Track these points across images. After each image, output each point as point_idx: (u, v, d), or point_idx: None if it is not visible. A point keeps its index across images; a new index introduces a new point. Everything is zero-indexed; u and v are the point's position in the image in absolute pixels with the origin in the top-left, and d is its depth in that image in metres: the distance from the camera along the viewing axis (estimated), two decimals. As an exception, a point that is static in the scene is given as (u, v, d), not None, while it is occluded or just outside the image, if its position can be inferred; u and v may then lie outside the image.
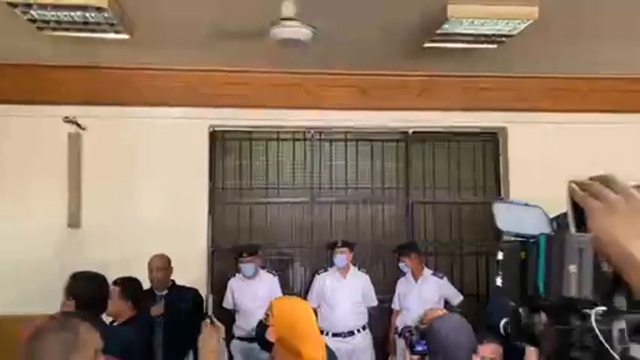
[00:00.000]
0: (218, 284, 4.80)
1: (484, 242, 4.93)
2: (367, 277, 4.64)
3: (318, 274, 4.65)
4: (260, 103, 4.81)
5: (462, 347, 1.38)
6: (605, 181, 0.69)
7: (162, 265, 3.95)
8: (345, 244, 4.56)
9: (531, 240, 0.76)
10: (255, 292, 4.30)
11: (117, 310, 3.25)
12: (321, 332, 4.40)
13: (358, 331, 4.45)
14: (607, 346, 0.84)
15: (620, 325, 0.90)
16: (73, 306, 2.47)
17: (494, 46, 3.85)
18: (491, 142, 5.30)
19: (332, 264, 4.63)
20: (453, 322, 1.62)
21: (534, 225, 0.78)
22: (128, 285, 3.40)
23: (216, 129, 4.97)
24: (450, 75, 4.83)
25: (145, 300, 3.41)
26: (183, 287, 4.02)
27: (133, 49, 4.09)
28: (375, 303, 4.63)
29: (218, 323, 1.99)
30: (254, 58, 4.33)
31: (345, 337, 4.38)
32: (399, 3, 3.35)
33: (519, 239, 0.78)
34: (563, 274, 0.71)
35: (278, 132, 5.10)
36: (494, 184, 5.26)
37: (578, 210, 0.70)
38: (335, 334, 4.37)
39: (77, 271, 2.73)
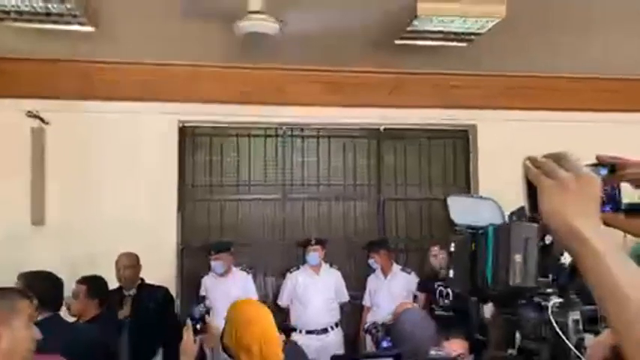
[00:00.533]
0: (188, 282, 4.74)
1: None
2: (339, 273, 4.66)
3: (290, 272, 4.64)
4: (231, 99, 4.76)
5: (425, 339, 1.39)
6: (558, 158, 0.69)
7: (129, 263, 3.88)
8: (318, 241, 4.56)
9: (480, 231, 0.76)
10: (228, 291, 4.25)
11: (82, 308, 3.19)
12: (294, 330, 4.46)
13: (331, 328, 4.46)
14: (563, 337, 0.85)
15: (575, 315, 0.92)
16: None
17: (464, 44, 3.88)
18: (462, 139, 5.36)
19: (304, 261, 4.61)
20: (415, 316, 1.63)
21: (487, 217, 0.78)
22: (94, 283, 3.34)
23: (185, 124, 4.90)
24: (421, 72, 4.86)
25: (111, 298, 3.34)
26: (152, 286, 3.95)
27: (99, 41, 3.99)
28: (346, 299, 4.64)
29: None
30: (225, 52, 4.27)
31: (318, 334, 4.38)
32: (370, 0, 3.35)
33: (470, 231, 0.78)
34: (509, 263, 0.71)
35: (249, 128, 5.05)
36: (464, 180, 5.32)
37: (532, 188, 0.70)
38: (308, 332, 4.38)
39: (25, 271, 2.66)
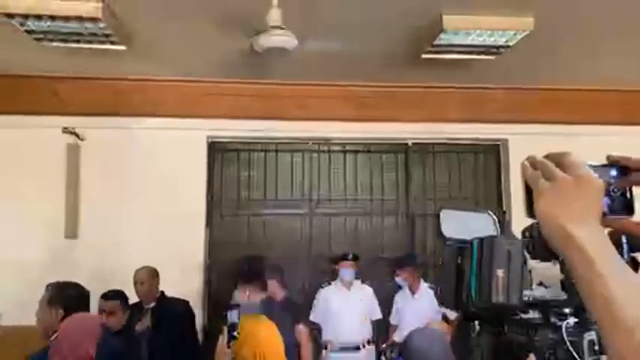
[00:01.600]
0: (215, 298, 4.76)
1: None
2: (371, 290, 4.59)
3: (322, 287, 4.60)
4: (259, 115, 4.81)
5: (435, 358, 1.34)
6: (558, 159, 0.64)
7: (145, 277, 3.94)
8: (354, 257, 4.53)
9: (467, 245, 0.73)
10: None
11: (118, 321, 3.29)
12: (326, 347, 4.42)
13: (364, 345, 4.39)
14: (578, 358, 0.81)
15: (590, 336, 0.86)
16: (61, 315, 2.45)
17: (491, 57, 3.83)
18: (492, 153, 5.26)
19: (335, 277, 4.58)
20: (427, 336, 1.58)
21: (479, 230, 0.74)
22: (123, 296, 3.45)
23: (214, 140, 4.97)
24: (448, 86, 4.81)
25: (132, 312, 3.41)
26: (172, 299, 3.99)
27: (130, 60, 4.11)
28: (379, 316, 4.58)
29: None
30: (252, 69, 4.33)
31: (350, 351, 4.32)
32: (395, 14, 3.34)
33: (458, 245, 0.75)
34: (491, 278, 0.67)
35: (277, 143, 5.09)
36: (496, 195, 5.20)
37: (530, 191, 0.65)
38: (341, 349, 4.33)
39: (53, 282, 2.74)
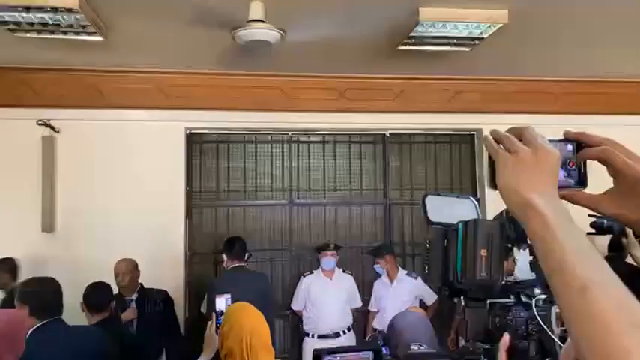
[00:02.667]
0: (196, 287, 4.78)
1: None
2: (352, 278, 4.68)
3: (304, 276, 4.67)
4: (237, 106, 4.81)
5: (416, 339, 1.41)
6: (519, 133, 0.67)
7: (127, 269, 3.94)
8: (336, 246, 4.60)
9: (453, 228, 0.78)
10: None
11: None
12: (307, 334, 4.49)
13: (344, 332, 4.48)
14: (547, 330, 0.88)
15: (557, 309, 0.94)
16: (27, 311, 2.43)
17: (467, 49, 3.91)
18: (468, 143, 5.37)
19: (317, 266, 4.65)
20: (409, 317, 1.65)
21: (463, 215, 0.80)
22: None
23: (192, 131, 4.96)
24: (425, 78, 4.89)
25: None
26: (152, 290, 4.02)
27: (108, 51, 4.07)
28: (359, 304, 4.67)
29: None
30: (231, 59, 4.33)
31: (331, 338, 4.41)
32: (372, 6, 3.38)
33: (444, 228, 0.81)
34: (476, 257, 0.73)
35: (255, 134, 5.10)
36: (470, 184, 5.33)
37: (493, 163, 0.68)
38: (321, 336, 4.41)
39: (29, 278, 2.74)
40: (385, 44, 3.99)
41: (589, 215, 2.88)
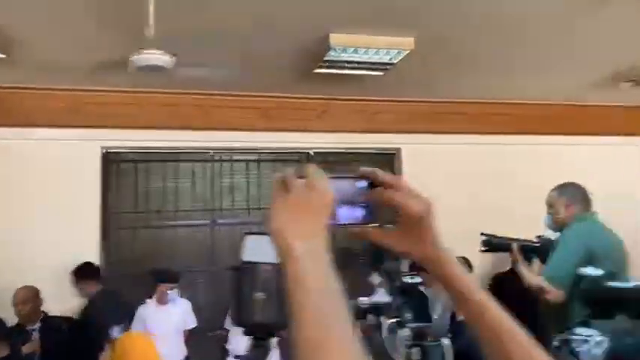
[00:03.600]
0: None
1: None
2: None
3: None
4: (158, 124, 4.73)
5: None
6: (300, 172, 0.64)
7: (25, 298, 3.75)
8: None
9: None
10: (169, 318, 4.31)
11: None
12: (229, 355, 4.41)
13: None
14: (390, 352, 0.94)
15: (404, 332, 1.02)
16: None
17: (380, 73, 4.05)
18: (389, 162, 5.52)
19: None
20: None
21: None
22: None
23: (109, 150, 4.81)
24: (345, 99, 5.01)
25: (14, 336, 3.23)
26: (55, 318, 3.83)
27: (13, 68, 3.89)
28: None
29: None
30: (149, 77, 4.25)
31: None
32: (284, 31, 3.44)
33: (239, 268, 0.83)
34: (252, 301, 0.76)
35: (177, 153, 5.02)
36: (392, 202, 5.47)
37: None
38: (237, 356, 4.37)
39: None
40: (301, 67, 4.07)
41: (481, 234, 3.04)
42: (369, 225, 0.71)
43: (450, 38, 3.64)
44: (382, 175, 0.70)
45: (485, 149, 5.24)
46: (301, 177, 0.64)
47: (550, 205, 2.75)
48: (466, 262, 4.38)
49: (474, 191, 5.02)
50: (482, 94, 4.98)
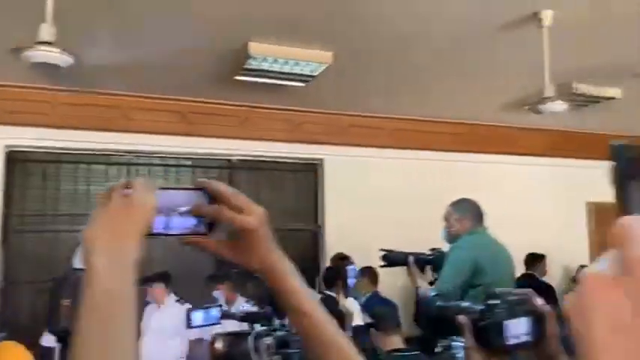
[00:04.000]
0: (12, 324, 4.30)
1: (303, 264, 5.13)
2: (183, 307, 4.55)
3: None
4: (70, 124, 4.50)
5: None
6: (127, 183, 0.63)
7: None
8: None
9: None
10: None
11: None
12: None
13: None
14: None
15: (269, 340, 1.09)
16: None
17: (302, 84, 4.08)
18: (311, 172, 5.56)
19: None
20: None
21: None
22: None
23: (14, 149, 4.52)
24: (269, 107, 4.99)
25: None
26: None
27: None
28: None
29: None
30: (62, 75, 4.04)
31: None
32: (203, 37, 3.39)
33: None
34: (60, 307, 0.76)
35: (90, 155, 4.80)
36: (313, 213, 5.50)
37: None
38: None
39: None
40: (222, 73, 4.02)
41: (380, 249, 3.11)
42: (199, 235, 0.70)
43: (367, 54, 3.73)
44: (217, 187, 0.71)
45: (404, 164, 5.40)
46: (128, 188, 0.63)
47: (445, 219, 2.87)
48: (372, 273, 4.48)
49: (394, 204, 5.15)
50: (395, 111, 5.14)
